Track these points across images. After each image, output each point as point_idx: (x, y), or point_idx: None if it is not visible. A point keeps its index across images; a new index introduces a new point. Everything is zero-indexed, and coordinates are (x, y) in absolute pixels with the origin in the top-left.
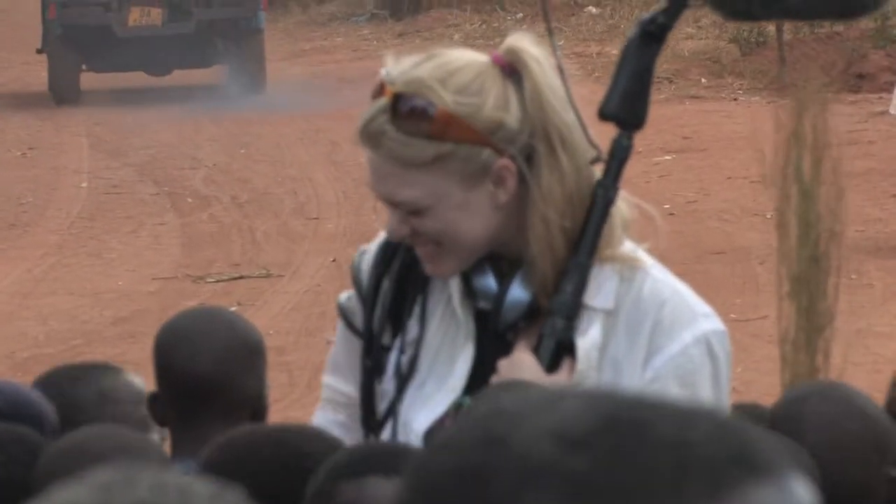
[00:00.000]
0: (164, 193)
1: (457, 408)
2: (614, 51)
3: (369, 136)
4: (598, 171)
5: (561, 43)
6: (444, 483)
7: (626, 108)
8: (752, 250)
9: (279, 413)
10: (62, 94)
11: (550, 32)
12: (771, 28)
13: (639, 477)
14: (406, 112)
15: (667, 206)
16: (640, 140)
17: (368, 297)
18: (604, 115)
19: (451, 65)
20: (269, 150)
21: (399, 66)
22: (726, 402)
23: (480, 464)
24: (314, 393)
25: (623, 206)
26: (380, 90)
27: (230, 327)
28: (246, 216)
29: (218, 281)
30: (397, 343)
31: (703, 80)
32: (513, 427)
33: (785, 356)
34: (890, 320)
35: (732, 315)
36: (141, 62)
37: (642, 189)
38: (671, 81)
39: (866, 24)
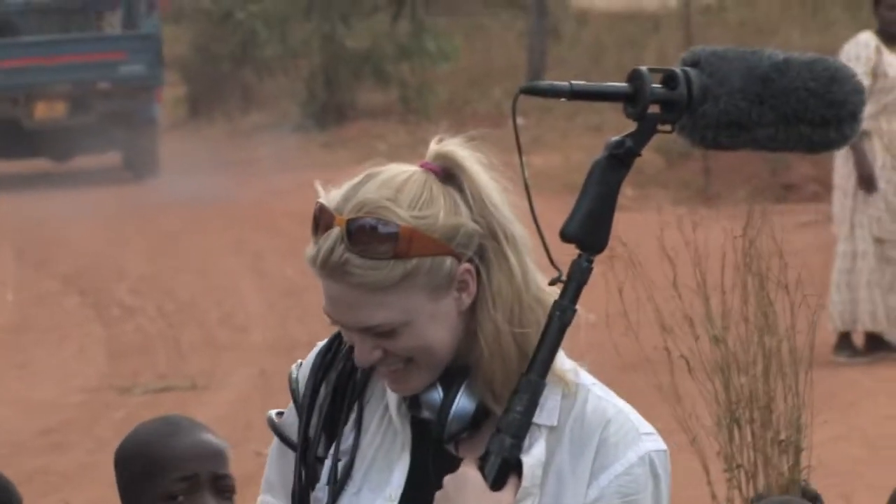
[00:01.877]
0: (88, 304)
1: None
2: (538, 161)
3: (331, 269)
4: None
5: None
6: None
7: (589, 230)
8: (681, 361)
9: None
10: None
11: (520, 151)
12: None
13: None
14: (366, 237)
15: (592, 317)
16: (566, 250)
17: (304, 405)
18: (565, 236)
19: (394, 181)
20: (195, 261)
21: (338, 193)
22: None
23: None
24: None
25: None
26: (323, 220)
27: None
28: (171, 326)
29: (144, 392)
30: (331, 451)
31: (628, 191)
32: None
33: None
34: (827, 429)
35: (658, 425)
36: (46, 150)
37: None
38: None
39: None
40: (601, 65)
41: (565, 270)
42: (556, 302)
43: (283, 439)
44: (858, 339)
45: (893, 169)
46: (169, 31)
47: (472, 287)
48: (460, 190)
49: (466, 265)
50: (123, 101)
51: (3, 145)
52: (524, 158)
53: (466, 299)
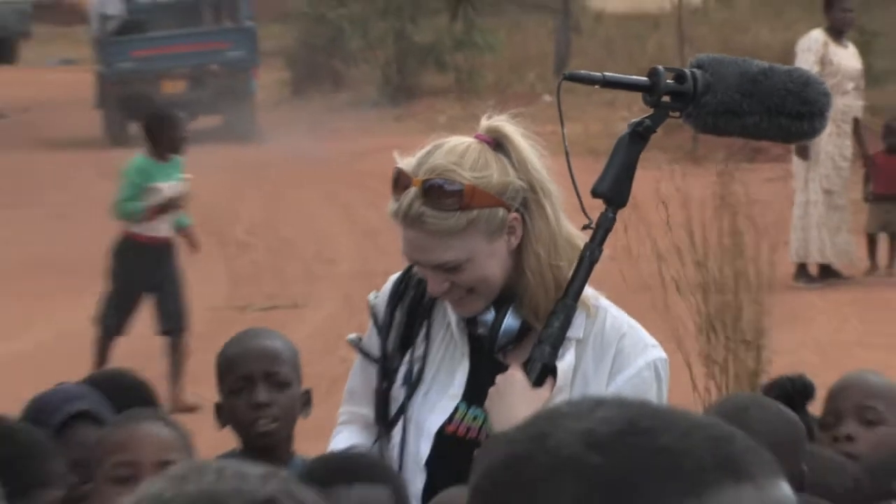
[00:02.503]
0: (213, 242)
1: (455, 412)
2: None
3: (410, 219)
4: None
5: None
6: (496, 468)
7: (615, 190)
8: (671, 283)
9: None
10: (114, 138)
11: (562, 124)
12: None
13: (639, 475)
14: (437, 194)
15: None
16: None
17: (384, 324)
18: (596, 193)
19: (457, 149)
20: (296, 208)
21: (413, 160)
22: None
23: (524, 454)
24: (332, 398)
25: None
26: (402, 181)
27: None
28: (277, 259)
29: (257, 310)
30: (406, 358)
31: None
32: (555, 426)
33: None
34: (790, 339)
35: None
36: None
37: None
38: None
39: None
40: (613, 54)
41: (594, 219)
42: (586, 244)
43: (366, 355)
44: (813, 270)
45: (838, 136)
46: (276, 29)
47: (519, 231)
48: (507, 155)
49: (514, 214)
50: (228, 79)
51: (137, 113)
52: (559, 129)
53: (514, 241)
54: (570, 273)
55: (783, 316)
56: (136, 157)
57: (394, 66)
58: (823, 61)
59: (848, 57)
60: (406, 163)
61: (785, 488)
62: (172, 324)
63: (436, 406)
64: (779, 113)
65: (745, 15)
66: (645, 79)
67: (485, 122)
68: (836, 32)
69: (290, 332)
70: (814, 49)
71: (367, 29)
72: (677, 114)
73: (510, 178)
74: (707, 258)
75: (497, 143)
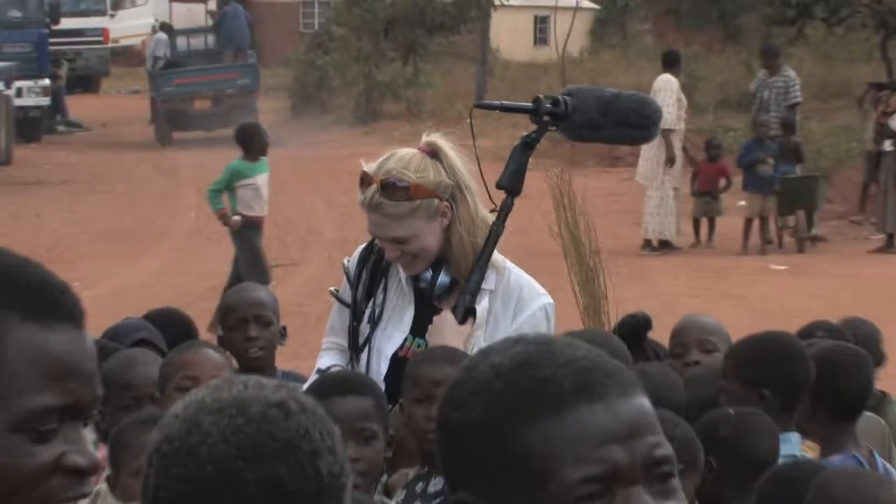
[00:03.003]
0: None
1: (405, 342)
2: (480, 143)
3: (372, 207)
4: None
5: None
6: (448, 387)
7: (512, 183)
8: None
9: (295, 337)
10: (162, 142)
11: (474, 139)
12: None
13: (521, 398)
14: (391, 188)
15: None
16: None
17: (355, 281)
18: (499, 185)
19: (405, 157)
20: (292, 194)
21: (374, 165)
22: None
23: (459, 378)
24: (318, 329)
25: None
26: (366, 180)
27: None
28: (279, 230)
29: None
30: (370, 304)
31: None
32: (482, 359)
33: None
34: (637, 292)
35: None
36: (200, 126)
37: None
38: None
39: None
40: (516, 91)
41: (498, 204)
42: (493, 222)
43: (341, 301)
44: (655, 243)
45: (680, 149)
46: (281, 70)
47: (449, 215)
48: (440, 161)
49: (445, 203)
50: (239, 99)
51: (178, 124)
52: (475, 142)
53: (445, 222)
54: (478, 243)
55: (634, 275)
56: (234, 159)
57: (363, 98)
58: (679, 97)
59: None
60: (369, 167)
61: (636, 404)
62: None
63: (391, 337)
64: (626, 125)
65: (608, 65)
66: (530, 104)
67: (425, 138)
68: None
69: (290, 282)
70: (674, 90)
71: (345, 71)
72: (554, 128)
73: (442, 178)
74: (577, 239)
75: (433, 152)
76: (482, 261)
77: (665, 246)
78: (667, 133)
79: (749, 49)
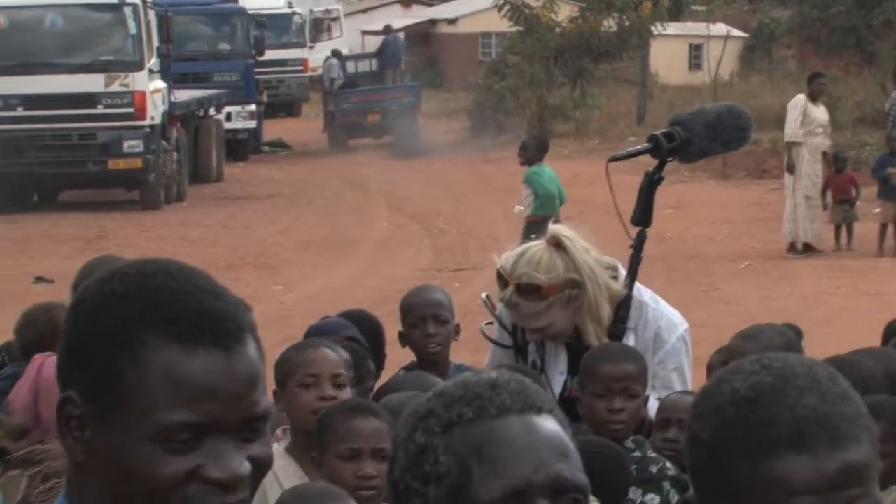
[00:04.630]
0: (422, 228)
1: (566, 383)
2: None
3: (511, 305)
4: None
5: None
6: (697, 398)
7: (643, 217)
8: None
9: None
10: (337, 147)
11: (612, 192)
12: None
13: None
14: (524, 291)
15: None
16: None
17: (512, 329)
18: (633, 221)
19: (535, 258)
20: (472, 205)
21: (508, 264)
22: (689, 367)
23: (707, 391)
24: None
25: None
26: (502, 279)
27: None
28: (462, 239)
29: (450, 271)
30: (531, 352)
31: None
32: (727, 378)
33: None
34: (784, 292)
35: None
36: (371, 134)
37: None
38: None
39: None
40: (672, 111)
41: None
42: (631, 255)
43: (499, 344)
44: (799, 246)
45: (813, 162)
46: (462, 94)
47: (577, 302)
48: (566, 252)
49: (573, 292)
50: (402, 113)
51: (354, 133)
52: (613, 192)
53: (576, 304)
54: (607, 312)
55: (779, 276)
56: (542, 165)
57: (535, 118)
58: (804, 114)
59: (819, 112)
60: (503, 266)
61: (842, 458)
62: None
63: (552, 380)
64: (730, 141)
65: (756, 87)
66: (650, 144)
67: (550, 229)
68: (812, 97)
69: (473, 284)
70: (798, 107)
71: (519, 95)
72: (672, 159)
73: (570, 274)
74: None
75: (558, 245)
76: (628, 298)
77: (808, 250)
78: (789, 145)
79: (883, 72)
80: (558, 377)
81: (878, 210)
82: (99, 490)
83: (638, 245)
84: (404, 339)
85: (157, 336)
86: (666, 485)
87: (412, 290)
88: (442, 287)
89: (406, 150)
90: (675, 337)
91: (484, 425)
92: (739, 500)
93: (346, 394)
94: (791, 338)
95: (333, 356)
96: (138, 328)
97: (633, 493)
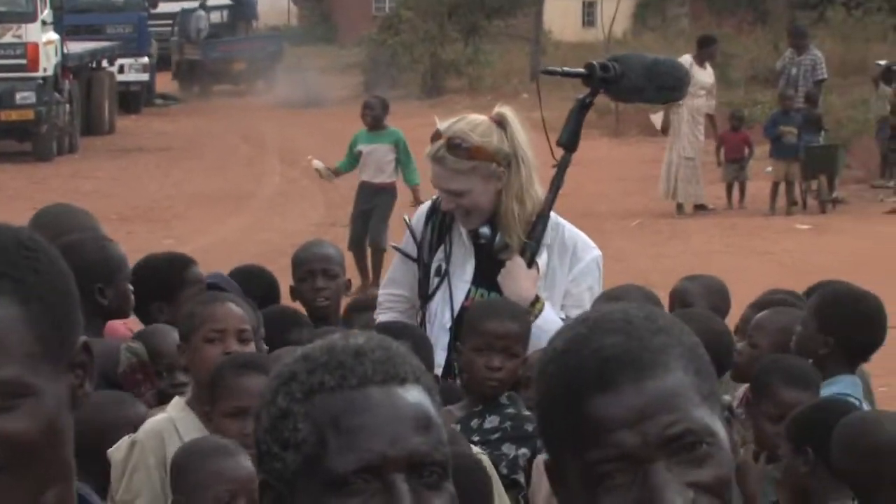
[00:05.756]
0: (316, 185)
1: (469, 292)
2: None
3: (436, 159)
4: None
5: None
6: (537, 363)
7: (570, 141)
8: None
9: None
10: (191, 95)
11: (539, 99)
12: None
13: (558, 385)
14: (454, 146)
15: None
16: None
17: (421, 236)
18: (559, 143)
19: (474, 121)
20: None
21: (445, 123)
22: (599, 289)
23: (543, 353)
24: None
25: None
26: (437, 135)
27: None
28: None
29: (343, 226)
30: (436, 257)
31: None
32: (554, 336)
33: None
34: (676, 250)
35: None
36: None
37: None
38: None
39: None
40: (566, 65)
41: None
42: (553, 176)
43: (405, 255)
44: (688, 209)
45: (693, 123)
46: (356, 49)
47: (504, 179)
48: (505, 131)
49: (501, 169)
50: (267, 62)
51: (220, 81)
52: (533, 115)
53: (499, 185)
54: (535, 207)
55: (671, 234)
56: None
57: (429, 74)
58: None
59: (704, 75)
60: (441, 124)
61: (649, 388)
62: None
63: (456, 288)
64: (664, 87)
65: (649, 45)
66: (584, 69)
67: (497, 109)
68: (700, 60)
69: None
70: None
71: (413, 50)
72: (604, 90)
73: (503, 146)
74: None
75: (500, 122)
76: (545, 210)
77: (701, 209)
78: (667, 106)
79: (776, 30)
80: (462, 285)
81: (769, 169)
82: None
83: (562, 167)
84: (295, 293)
85: None
86: (539, 443)
87: (302, 245)
88: (334, 242)
89: (278, 99)
90: (589, 257)
91: (343, 395)
92: (571, 451)
93: (251, 349)
94: (654, 298)
95: (239, 311)
96: None
97: (507, 447)
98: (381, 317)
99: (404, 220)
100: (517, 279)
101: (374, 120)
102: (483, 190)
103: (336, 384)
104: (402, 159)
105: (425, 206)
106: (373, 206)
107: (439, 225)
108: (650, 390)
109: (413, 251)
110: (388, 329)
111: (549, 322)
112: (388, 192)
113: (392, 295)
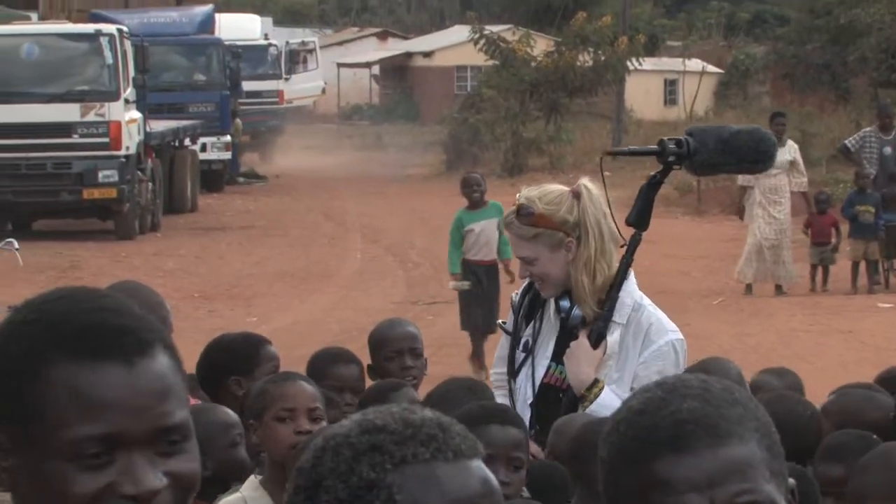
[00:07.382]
0: (397, 261)
1: (549, 368)
2: (614, 193)
3: (506, 224)
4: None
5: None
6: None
7: (640, 220)
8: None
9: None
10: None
11: (603, 181)
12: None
13: (629, 445)
14: (521, 213)
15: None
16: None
17: (516, 309)
18: (628, 222)
19: (548, 190)
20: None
21: (525, 191)
22: (675, 372)
23: (612, 416)
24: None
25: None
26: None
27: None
28: (436, 272)
29: (424, 304)
30: (526, 332)
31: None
32: (627, 400)
33: None
34: (758, 328)
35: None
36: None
37: None
38: None
39: None
40: (648, 145)
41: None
42: (623, 256)
43: (506, 331)
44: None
45: (768, 204)
46: (437, 127)
47: (573, 251)
48: (578, 202)
49: (570, 239)
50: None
51: None
52: (604, 183)
53: (570, 256)
54: (607, 281)
55: (752, 312)
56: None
57: (510, 152)
58: None
59: (779, 153)
60: (522, 192)
61: (722, 454)
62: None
63: (539, 364)
64: (743, 160)
65: (730, 122)
66: (656, 147)
67: (581, 180)
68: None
69: (445, 317)
70: None
71: (494, 128)
72: (678, 167)
73: (570, 217)
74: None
75: (576, 194)
76: (614, 290)
77: (777, 290)
78: (741, 189)
79: (858, 109)
80: (544, 361)
81: (849, 249)
82: None
83: (631, 247)
84: (375, 372)
85: (59, 354)
86: None
87: (384, 324)
88: (414, 320)
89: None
90: (663, 340)
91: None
92: None
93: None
94: (737, 371)
95: (310, 390)
96: (40, 349)
97: None
98: (498, 399)
99: (511, 297)
100: (578, 361)
101: (483, 196)
102: (550, 258)
103: (431, 456)
104: (501, 231)
105: (526, 281)
106: (486, 286)
107: (532, 299)
108: (723, 457)
109: (511, 325)
110: (485, 408)
111: (603, 407)
112: (496, 268)
113: (500, 374)
